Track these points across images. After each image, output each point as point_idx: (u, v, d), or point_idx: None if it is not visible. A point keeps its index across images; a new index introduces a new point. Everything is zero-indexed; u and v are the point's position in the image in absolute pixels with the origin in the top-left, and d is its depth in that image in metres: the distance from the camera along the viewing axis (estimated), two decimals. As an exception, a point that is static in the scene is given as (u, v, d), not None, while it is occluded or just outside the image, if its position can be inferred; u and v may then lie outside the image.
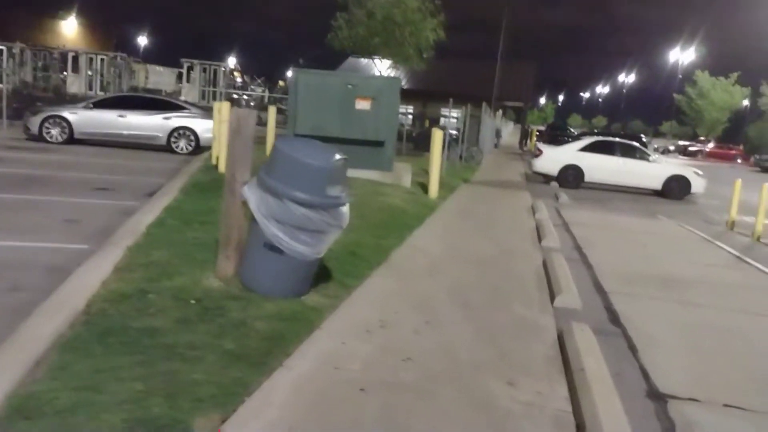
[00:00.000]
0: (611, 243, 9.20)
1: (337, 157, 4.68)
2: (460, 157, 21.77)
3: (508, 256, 7.49)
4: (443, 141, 16.95)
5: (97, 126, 16.43)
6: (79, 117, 16.19)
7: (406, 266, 6.35)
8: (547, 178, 18.73)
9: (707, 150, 55.84)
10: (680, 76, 65.49)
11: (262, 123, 14.77)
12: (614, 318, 5.41)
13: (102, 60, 28.98)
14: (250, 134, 4.77)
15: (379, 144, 12.21)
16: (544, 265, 6.99)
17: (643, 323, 5.31)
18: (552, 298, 5.67)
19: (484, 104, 22.94)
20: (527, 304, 5.42)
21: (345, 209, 4.77)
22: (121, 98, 17.86)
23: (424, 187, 12.20)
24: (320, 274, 5.31)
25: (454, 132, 23.28)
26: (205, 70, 29.43)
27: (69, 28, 65.42)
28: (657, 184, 18.12)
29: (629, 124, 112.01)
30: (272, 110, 14.61)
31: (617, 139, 19.99)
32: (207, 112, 17.83)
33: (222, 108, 12.71)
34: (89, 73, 28.45)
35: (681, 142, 62.01)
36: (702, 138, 62.94)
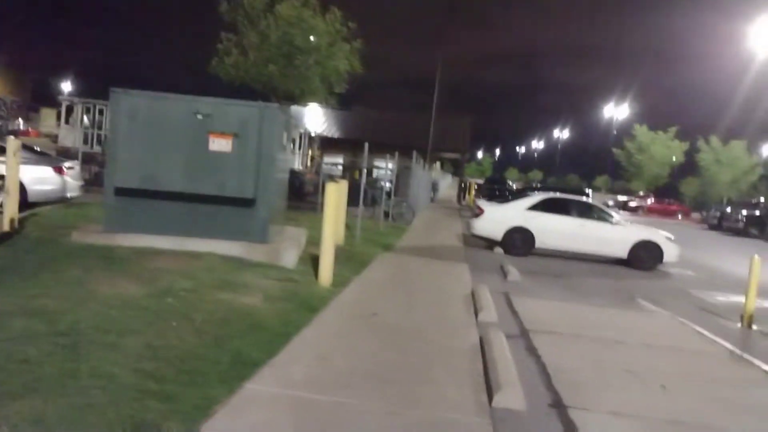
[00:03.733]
0: (608, 383, 5.34)
1: None
2: (386, 214, 18.00)
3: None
4: (362, 196, 13.16)
5: None
6: None
7: None
8: (489, 242, 15.09)
9: (647, 205, 54.38)
10: (615, 132, 65.04)
11: None
12: None
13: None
14: None
15: (246, 203, 8.15)
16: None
17: None
18: None
19: (414, 153, 19.43)
20: None
21: None
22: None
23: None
24: None
25: (386, 184, 19.71)
26: (89, 110, 24.80)
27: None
28: (622, 251, 14.71)
29: (564, 178, 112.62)
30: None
31: (572, 197, 16.62)
32: (48, 156, 13.46)
33: (9, 145, 8.48)
34: None
35: (620, 197, 60.65)
36: (641, 193, 61.89)
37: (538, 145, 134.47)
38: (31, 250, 7.26)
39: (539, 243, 14.54)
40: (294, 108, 46.20)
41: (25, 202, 12.23)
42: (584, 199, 16.67)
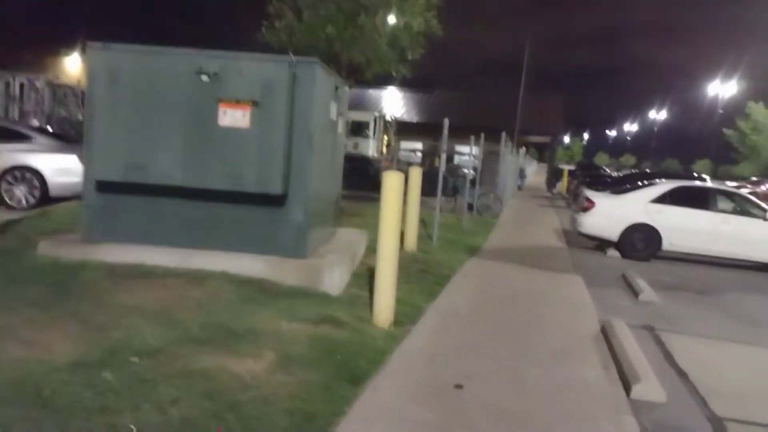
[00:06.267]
0: None
1: None
2: (471, 207, 15.28)
3: None
4: (440, 185, 10.44)
5: None
6: None
7: None
8: (600, 242, 12.10)
9: (763, 191, 48.34)
10: (721, 111, 58.56)
11: None
12: None
13: (21, 85, 23.10)
14: None
15: (272, 202, 5.71)
16: None
17: None
18: None
19: (504, 135, 16.55)
20: None
21: None
22: None
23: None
24: None
25: (470, 172, 17.10)
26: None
27: (73, 65, 60.93)
28: (780, 254, 11.35)
29: (660, 162, 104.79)
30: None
31: (710, 185, 13.27)
32: (63, 142, 11.52)
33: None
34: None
35: (729, 183, 54.49)
36: (753, 178, 55.41)
37: (630, 128, 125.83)
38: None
39: (667, 244, 11.41)
40: (372, 92, 43.78)
41: (46, 196, 10.49)
42: (733, 189, 13.22)
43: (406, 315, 5.52)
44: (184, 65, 5.47)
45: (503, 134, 16.59)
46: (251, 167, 5.52)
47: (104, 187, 5.76)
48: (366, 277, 6.47)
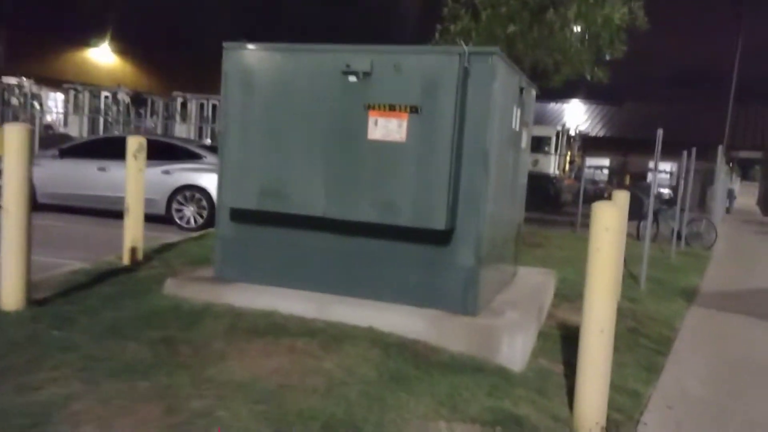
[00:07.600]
0: None
1: None
2: (678, 235, 12.74)
3: None
4: (650, 216, 8.30)
5: (67, 184, 10.64)
6: (44, 171, 10.53)
7: None
8: None
9: None
10: None
11: None
12: None
13: (213, 107, 24.52)
14: None
15: (434, 239, 4.35)
16: None
17: None
18: None
19: (720, 149, 13.70)
20: None
21: None
22: (104, 141, 12.04)
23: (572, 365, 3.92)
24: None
25: (665, 192, 14.56)
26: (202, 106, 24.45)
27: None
28: None
29: None
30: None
31: None
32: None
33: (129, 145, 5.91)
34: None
35: None
36: None
37: None
38: (72, 317, 4.37)
39: None
40: (554, 106, 41.23)
41: (212, 215, 10.24)
42: None
43: (619, 408, 3.81)
44: (329, 64, 4.33)
45: (720, 148, 13.76)
46: (407, 194, 4.21)
47: (238, 216, 4.81)
48: (557, 339, 4.84)
